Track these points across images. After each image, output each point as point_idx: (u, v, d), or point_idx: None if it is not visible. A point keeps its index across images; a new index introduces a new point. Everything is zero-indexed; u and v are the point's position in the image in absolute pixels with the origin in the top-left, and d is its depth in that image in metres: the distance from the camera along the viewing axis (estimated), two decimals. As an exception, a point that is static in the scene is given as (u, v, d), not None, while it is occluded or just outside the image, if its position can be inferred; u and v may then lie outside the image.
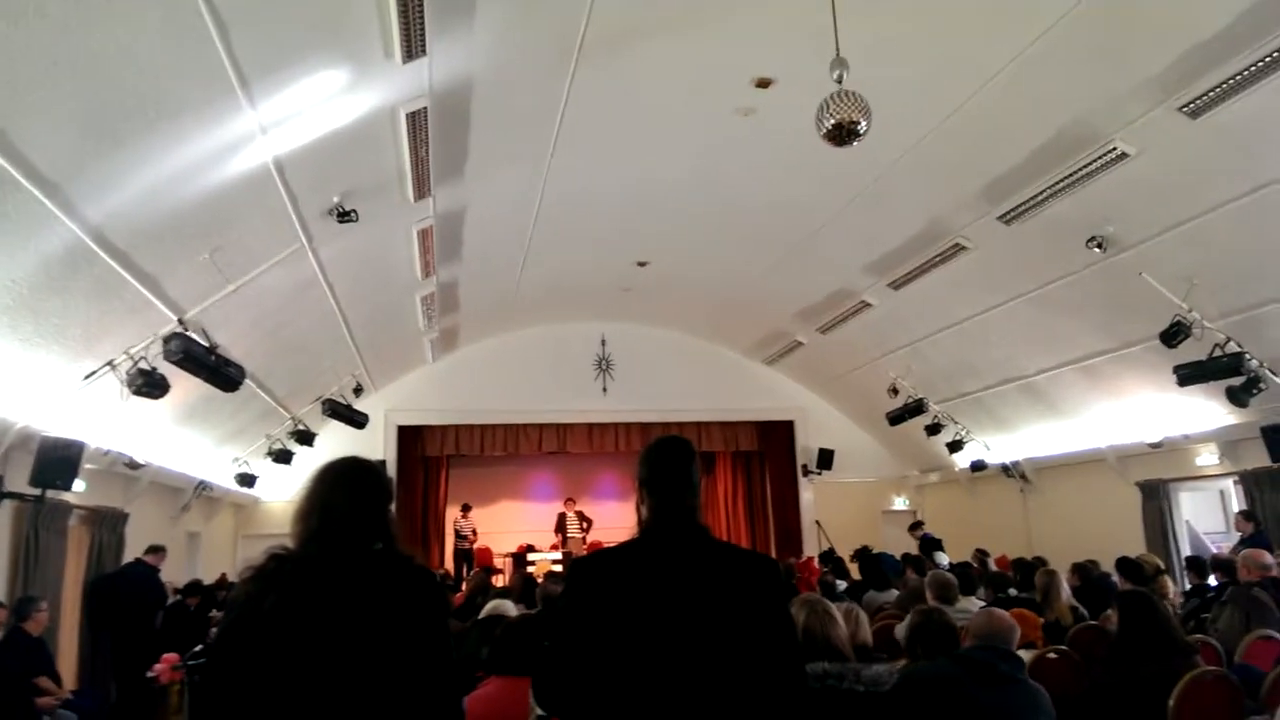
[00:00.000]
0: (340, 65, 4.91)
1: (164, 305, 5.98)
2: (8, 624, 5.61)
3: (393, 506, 2.01)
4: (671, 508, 1.98)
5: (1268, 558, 5.47)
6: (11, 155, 3.98)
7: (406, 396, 12.80)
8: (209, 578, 9.48)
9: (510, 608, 4.70)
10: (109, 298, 5.54)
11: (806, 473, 13.83)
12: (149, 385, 5.95)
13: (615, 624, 1.83)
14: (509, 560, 13.24)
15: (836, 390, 13.53)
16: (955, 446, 11.42)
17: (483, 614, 4.61)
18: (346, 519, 1.89)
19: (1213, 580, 6.56)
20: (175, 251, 5.69)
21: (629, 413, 13.30)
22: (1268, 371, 6.85)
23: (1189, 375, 7.10)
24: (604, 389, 13.43)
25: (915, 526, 11.55)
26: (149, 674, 6.00)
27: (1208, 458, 8.52)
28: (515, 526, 14.93)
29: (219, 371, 6.42)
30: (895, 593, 7.04)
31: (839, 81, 4.25)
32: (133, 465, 7.54)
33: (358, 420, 10.48)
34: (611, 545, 2.09)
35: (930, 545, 10.47)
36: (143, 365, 5.96)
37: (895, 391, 11.22)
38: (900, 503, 14.09)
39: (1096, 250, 7.10)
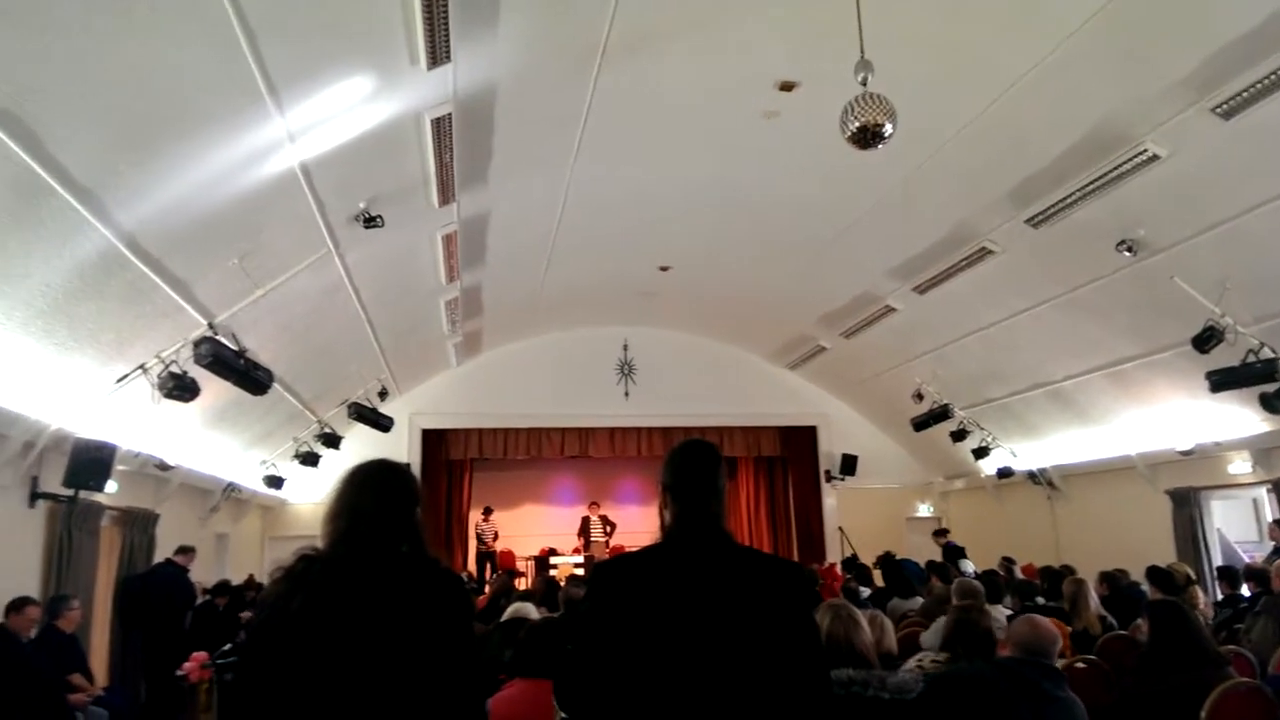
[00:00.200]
0: (366, 72, 4.97)
1: (194, 310, 6.07)
2: (41, 621, 5.71)
3: (419, 509, 2.02)
4: (695, 514, 1.95)
5: (1303, 567, 5.36)
6: (48, 163, 4.06)
7: (431, 400, 12.89)
8: (237, 578, 9.58)
9: (533, 610, 4.72)
10: (141, 302, 5.64)
11: (829, 478, 13.76)
12: (180, 388, 6.04)
13: (638, 629, 1.82)
14: (531, 563, 13.28)
15: (860, 395, 13.44)
16: (981, 453, 11.29)
17: (505, 616, 4.64)
18: (373, 521, 1.91)
19: (1245, 590, 6.44)
20: (205, 257, 5.78)
21: (651, 417, 13.32)
22: (1303, 377, 6.72)
23: (1221, 381, 6.97)
24: (626, 393, 13.45)
25: (940, 533, 11.44)
26: (178, 672, 6.06)
27: (1240, 465, 8.36)
28: (537, 530, 14.96)
29: (248, 375, 6.50)
30: (920, 600, 6.98)
31: (864, 84, 4.22)
32: (163, 467, 7.66)
33: (383, 423, 10.56)
34: (634, 550, 2.08)
35: (954, 553, 10.36)
36: (174, 369, 6.04)
37: (920, 397, 11.13)
38: (925, 509, 13.97)
39: (1126, 254, 7.00)
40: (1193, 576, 6.59)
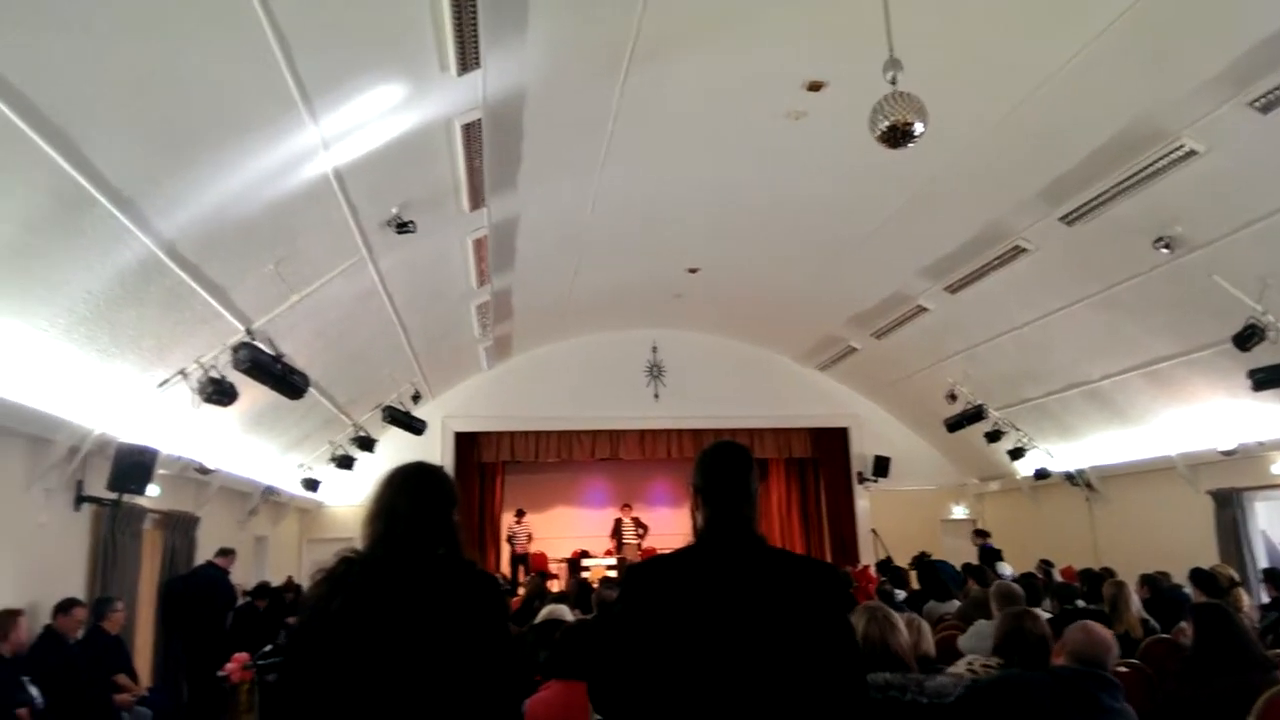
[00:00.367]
0: (397, 79, 5.03)
1: (232, 316, 6.17)
2: (87, 623, 5.84)
3: (455, 511, 2.04)
4: (728, 517, 1.93)
5: (1353, 570, 5.22)
6: (90, 173, 4.16)
7: (463, 403, 13.00)
8: (276, 580, 9.73)
9: (566, 612, 4.74)
10: (180, 309, 5.75)
11: (862, 480, 13.64)
12: (218, 393, 6.15)
13: (671, 631, 1.81)
14: (564, 565, 13.33)
15: (892, 396, 13.31)
16: (1017, 454, 11.13)
17: (540, 618, 4.66)
18: (410, 523, 1.93)
19: (1293, 593, 6.29)
20: (242, 263, 5.88)
21: (681, 419, 13.30)
22: (1351, 375, 6.55)
23: (1265, 379, 6.82)
24: (655, 395, 13.45)
25: (980, 533, 11.28)
26: (220, 673, 6.16)
27: (1285, 466, 8.17)
28: (568, 532, 15.01)
29: (285, 380, 6.60)
30: (956, 603, 6.89)
31: (893, 83, 4.20)
32: (203, 471, 7.80)
33: (416, 427, 10.67)
34: (667, 552, 2.08)
35: (991, 556, 10.22)
36: (213, 374, 6.15)
37: (953, 398, 11.00)
38: (959, 511, 13.79)
39: (1164, 251, 6.86)
40: (1237, 579, 6.45)
